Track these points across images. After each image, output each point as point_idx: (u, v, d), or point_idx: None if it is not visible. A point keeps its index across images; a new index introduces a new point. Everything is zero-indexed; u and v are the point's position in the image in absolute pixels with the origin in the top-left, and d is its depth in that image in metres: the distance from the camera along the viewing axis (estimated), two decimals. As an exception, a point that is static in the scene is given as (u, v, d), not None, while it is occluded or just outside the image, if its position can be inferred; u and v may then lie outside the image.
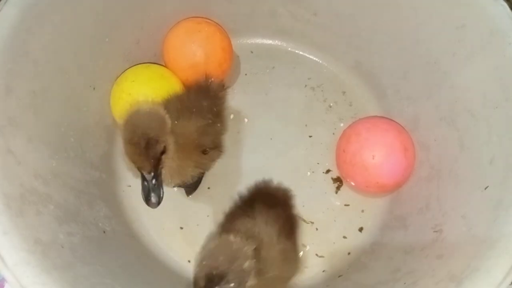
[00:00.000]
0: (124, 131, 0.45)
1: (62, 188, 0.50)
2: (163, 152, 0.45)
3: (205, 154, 0.54)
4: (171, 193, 0.61)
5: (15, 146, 0.45)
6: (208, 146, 0.54)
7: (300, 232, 0.57)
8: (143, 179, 0.45)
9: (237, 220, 0.50)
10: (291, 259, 0.51)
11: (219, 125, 0.57)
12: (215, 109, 0.56)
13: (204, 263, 0.41)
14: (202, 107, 0.55)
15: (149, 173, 0.44)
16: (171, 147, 0.46)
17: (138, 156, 0.43)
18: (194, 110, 0.53)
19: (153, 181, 0.44)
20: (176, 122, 0.49)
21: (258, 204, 0.52)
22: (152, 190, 0.44)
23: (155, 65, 0.65)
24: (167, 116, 0.46)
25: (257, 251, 0.43)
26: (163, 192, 0.45)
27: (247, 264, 0.41)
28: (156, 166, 0.44)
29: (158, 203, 0.45)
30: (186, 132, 0.50)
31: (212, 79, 0.59)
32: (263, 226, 0.49)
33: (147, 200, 0.45)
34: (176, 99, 0.55)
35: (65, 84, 0.54)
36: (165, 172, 0.47)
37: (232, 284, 0.40)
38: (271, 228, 0.49)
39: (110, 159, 0.62)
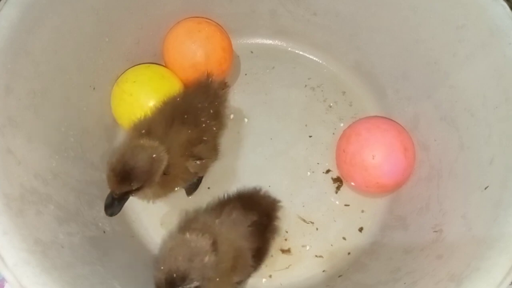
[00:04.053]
0: (115, 154, 0.47)
1: (62, 188, 0.50)
2: (136, 190, 0.47)
3: (197, 163, 0.53)
4: (172, 193, 0.61)
5: (15, 146, 0.45)
6: (200, 157, 0.53)
7: (273, 243, 0.56)
8: (111, 192, 0.47)
9: (195, 220, 0.49)
10: (245, 259, 0.49)
11: (214, 128, 0.56)
12: (211, 111, 0.56)
13: (162, 267, 0.41)
14: (197, 109, 0.54)
15: (116, 195, 0.47)
16: (147, 189, 0.49)
17: (112, 181, 0.46)
18: (186, 116, 0.53)
19: (116, 202, 0.47)
20: (168, 131, 0.51)
21: (232, 207, 0.51)
22: (111, 206, 0.48)
23: (156, 65, 0.65)
24: (163, 163, 0.48)
25: (214, 243, 0.44)
26: (119, 210, 0.48)
27: (207, 259, 0.41)
28: (123, 195, 0.47)
29: (112, 215, 0.48)
30: (176, 142, 0.51)
31: (213, 77, 0.59)
32: (221, 222, 0.48)
33: (105, 209, 0.48)
34: (170, 106, 0.55)
35: (65, 84, 0.54)
36: (149, 193, 0.50)
37: (195, 282, 0.40)
38: (234, 227, 0.48)
39: (110, 159, 0.62)
